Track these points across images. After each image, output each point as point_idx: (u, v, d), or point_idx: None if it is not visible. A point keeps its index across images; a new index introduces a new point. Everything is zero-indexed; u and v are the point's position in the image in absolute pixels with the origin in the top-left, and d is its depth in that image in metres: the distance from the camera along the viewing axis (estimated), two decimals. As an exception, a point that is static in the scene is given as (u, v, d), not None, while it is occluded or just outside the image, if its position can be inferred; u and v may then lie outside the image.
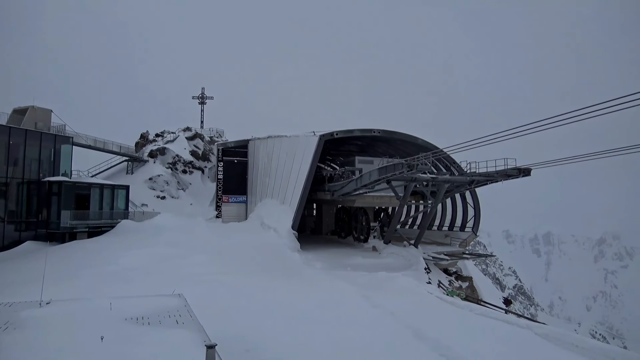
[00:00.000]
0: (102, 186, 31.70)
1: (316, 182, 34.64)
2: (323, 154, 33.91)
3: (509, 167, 25.05)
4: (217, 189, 40.52)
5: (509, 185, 27.89)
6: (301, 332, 10.53)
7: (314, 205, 47.46)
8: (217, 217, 39.27)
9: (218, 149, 41.25)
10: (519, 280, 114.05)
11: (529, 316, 57.56)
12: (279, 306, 13.12)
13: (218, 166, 40.46)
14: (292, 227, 29.53)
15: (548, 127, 14.49)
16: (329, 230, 43.96)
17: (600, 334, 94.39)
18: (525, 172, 25.18)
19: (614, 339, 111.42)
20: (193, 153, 54.06)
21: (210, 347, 4.84)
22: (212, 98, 65.88)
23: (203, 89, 66.03)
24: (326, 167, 45.43)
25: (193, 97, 65.43)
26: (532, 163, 24.01)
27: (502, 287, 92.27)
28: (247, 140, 41.33)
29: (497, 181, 27.51)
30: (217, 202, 40.35)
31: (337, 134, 30.72)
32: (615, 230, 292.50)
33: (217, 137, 60.10)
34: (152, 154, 50.71)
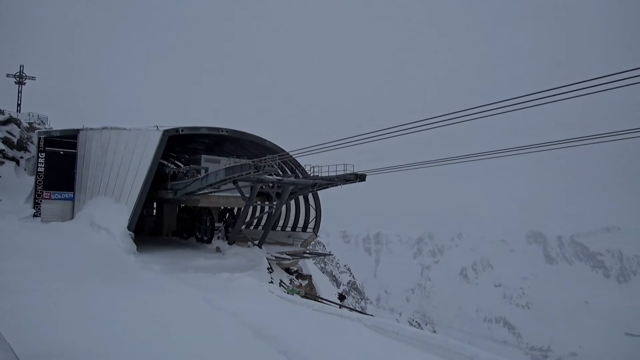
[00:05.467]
0: None
1: (158, 179, 32.56)
2: (167, 150, 32.05)
3: (347, 172, 26.93)
4: (36, 184, 34.99)
5: (347, 188, 30.14)
6: (133, 341, 9.72)
7: (154, 204, 44.56)
8: (34, 215, 33.92)
9: (39, 138, 35.65)
10: (353, 276, 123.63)
11: (359, 309, 62.76)
12: (109, 314, 11.92)
13: (39, 157, 35.01)
14: (128, 228, 27.15)
15: (383, 138, 16.09)
16: (170, 231, 41.72)
17: (416, 322, 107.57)
18: (361, 177, 27.44)
19: (426, 325, 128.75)
20: (5, 141, 45.77)
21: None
22: (33, 78, 56.60)
23: (22, 66, 56.11)
24: (169, 165, 43.06)
25: (8, 75, 55.29)
26: (368, 170, 26.39)
27: (338, 284, 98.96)
28: (77, 130, 36.61)
29: (337, 185, 29.44)
30: (35, 198, 34.86)
31: (182, 130, 29.27)
32: (430, 231, 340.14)
33: (39, 124, 51.97)
34: (-54, 139, 41.45)
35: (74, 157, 35.99)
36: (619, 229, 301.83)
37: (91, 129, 35.94)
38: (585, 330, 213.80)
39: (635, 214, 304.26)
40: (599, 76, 9.82)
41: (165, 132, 28.18)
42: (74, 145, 36.12)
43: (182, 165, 39.71)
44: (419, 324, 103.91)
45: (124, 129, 32.50)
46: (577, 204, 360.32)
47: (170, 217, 42.17)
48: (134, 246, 25.85)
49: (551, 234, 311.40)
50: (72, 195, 35.76)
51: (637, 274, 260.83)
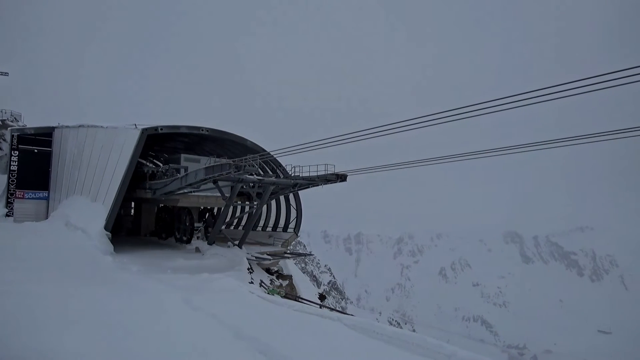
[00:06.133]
0: None
1: (136, 179, 32.04)
2: (145, 149, 31.57)
3: (328, 172, 26.95)
4: (8, 183, 34.03)
5: (328, 189, 30.19)
6: (110, 343, 9.53)
7: (132, 204, 43.84)
8: (7, 215, 33.01)
9: (13, 136, 34.69)
10: (333, 276, 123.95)
11: (340, 309, 63.06)
12: (86, 317, 11.65)
13: (12, 155, 34.08)
14: (105, 228, 26.59)
15: (362, 139, 16.17)
16: (148, 231, 41.08)
17: (396, 321, 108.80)
18: (342, 177, 27.51)
19: (406, 324, 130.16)
20: (-23, 138, 44.44)
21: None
22: (6, 74, 55.00)
23: (-6, 62, 54.50)
24: (148, 164, 42.42)
25: (-21, 71, 53.62)
26: (348, 170, 26.48)
27: (319, 284, 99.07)
28: (53, 128, 35.78)
29: (317, 185, 29.45)
30: (8, 197, 33.91)
31: (162, 129, 28.81)
32: (410, 231, 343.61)
33: (12, 122, 50.58)
34: None
35: (48, 155, 35.19)
36: (592, 229, 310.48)
37: (67, 126, 35.16)
38: (559, 328, 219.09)
39: (608, 214, 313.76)
40: (579, 78, 10.07)
41: (144, 130, 27.71)
42: (49, 144, 35.31)
43: (161, 165, 39.16)
44: (399, 323, 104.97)
45: (101, 127, 31.87)
46: (552, 204, 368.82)
47: (149, 217, 41.54)
48: (111, 246, 25.37)
49: (527, 234, 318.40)
50: (46, 195, 34.96)
51: (609, 272, 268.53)
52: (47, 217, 33.12)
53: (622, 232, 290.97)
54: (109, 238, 26.07)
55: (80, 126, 33.80)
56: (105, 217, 27.10)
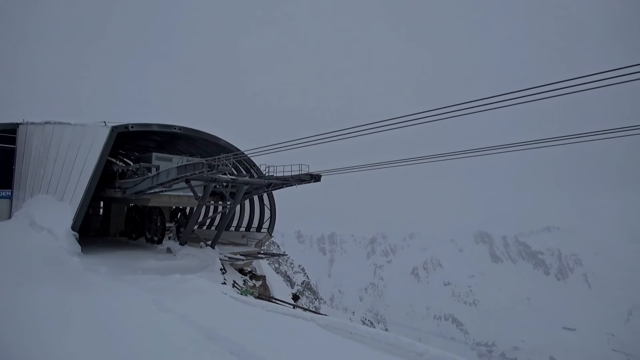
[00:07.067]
0: None
1: (105, 178, 31.25)
2: (115, 147, 30.81)
3: (302, 172, 26.94)
4: (-31, 181, 32.64)
5: (302, 189, 30.18)
6: (77, 347, 9.27)
7: (101, 203, 42.73)
8: (-34, 215, 31.66)
9: (-27, 132, 33.30)
10: (307, 276, 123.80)
11: (313, 309, 63.11)
12: (51, 320, 11.27)
13: (-28, 152, 32.71)
14: (72, 228, 25.78)
15: (338, 139, 16.23)
16: (118, 231, 40.11)
17: (369, 320, 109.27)
18: (316, 177, 27.55)
19: (378, 323, 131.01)
20: None
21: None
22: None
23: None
24: (118, 162, 41.42)
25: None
26: (323, 170, 26.54)
27: (292, 284, 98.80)
28: (17, 124, 34.43)
29: (292, 185, 29.39)
30: (-32, 196, 32.51)
31: (132, 127, 28.11)
32: (383, 231, 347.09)
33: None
34: None
35: (12, 152, 33.87)
36: (558, 229, 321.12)
37: (32, 123, 33.93)
38: (527, 326, 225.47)
39: (573, 215, 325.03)
40: (561, 80, 10.37)
41: (114, 128, 27.01)
42: (12, 140, 33.98)
43: (131, 163, 38.30)
44: (372, 323, 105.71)
45: (69, 124, 30.89)
46: (520, 205, 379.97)
47: (118, 217, 40.55)
48: (79, 247, 24.63)
49: (497, 234, 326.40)
50: (9, 193, 33.64)
51: (574, 271, 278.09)
52: (10, 217, 31.88)
53: (587, 232, 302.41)
54: (76, 238, 25.29)
55: (46, 123, 32.68)
56: (73, 217, 26.27)
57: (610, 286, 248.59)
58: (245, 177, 29.80)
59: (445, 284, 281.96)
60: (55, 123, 31.80)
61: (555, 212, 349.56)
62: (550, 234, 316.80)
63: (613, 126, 11.72)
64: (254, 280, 32.82)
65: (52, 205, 28.71)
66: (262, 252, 38.78)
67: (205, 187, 27.21)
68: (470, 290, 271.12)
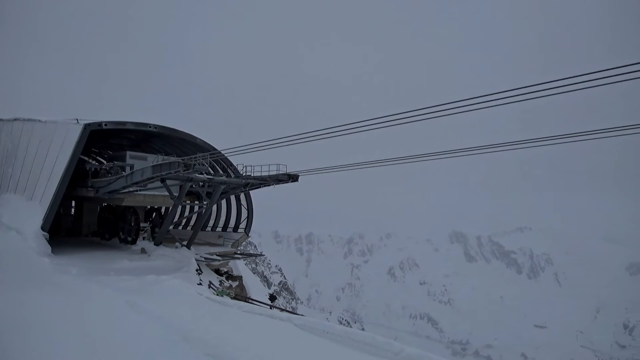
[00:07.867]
0: None
1: (77, 176, 30.45)
2: (88, 145, 30.08)
3: (280, 172, 26.86)
4: None
5: (279, 189, 30.07)
6: (47, 350, 9.02)
7: (73, 202, 41.65)
8: None
9: (-63, 128, 32.02)
10: (284, 277, 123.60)
11: (290, 309, 62.99)
12: (19, 323, 10.91)
13: None
14: (42, 228, 25.09)
15: (316, 139, 16.26)
16: (90, 231, 39.16)
17: (346, 320, 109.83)
18: (293, 177, 27.51)
19: (355, 323, 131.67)
20: None
21: None
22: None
23: None
24: (91, 161, 40.45)
25: None
26: (300, 170, 26.52)
27: (269, 284, 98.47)
28: (-18, 121, 33.37)
29: (269, 185, 29.27)
30: None
31: (106, 125, 27.50)
32: (360, 231, 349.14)
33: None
34: None
35: (-22, 150, 32.72)
36: (530, 229, 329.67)
37: (0, 119, 32.87)
38: (500, 324, 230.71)
39: (544, 215, 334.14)
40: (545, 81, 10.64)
41: (87, 126, 26.39)
42: (-22, 137, 32.84)
43: (105, 162, 37.48)
44: (348, 322, 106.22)
45: (39, 121, 30.04)
46: (494, 205, 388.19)
47: (91, 217, 39.60)
48: (49, 248, 23.99)
49: (471, 234, 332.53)
50: (-24, 193, 32.47)
51: (545, 270, 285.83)
52: (-24, 217, 30.80)
53: (557, 232, 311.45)
54: (46, 239, 24.64)
55: (15, 119, 31.72)
56: (43, 216, 25.58)
57: (580, 285, 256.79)
58: (222, 176, 29.53)
59: (421, 284, 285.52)
60: (24, 120, 30.89)
61: (528, 212, 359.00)
62: (523, 234, 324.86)
63: (587, 129, 12.09)
64: (230, 281, 32.54)
65: (20, 205, 27.90)
66: (238, 252, 38.47)
67: (181, 186, 26.86)
68: (445, 290, 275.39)
